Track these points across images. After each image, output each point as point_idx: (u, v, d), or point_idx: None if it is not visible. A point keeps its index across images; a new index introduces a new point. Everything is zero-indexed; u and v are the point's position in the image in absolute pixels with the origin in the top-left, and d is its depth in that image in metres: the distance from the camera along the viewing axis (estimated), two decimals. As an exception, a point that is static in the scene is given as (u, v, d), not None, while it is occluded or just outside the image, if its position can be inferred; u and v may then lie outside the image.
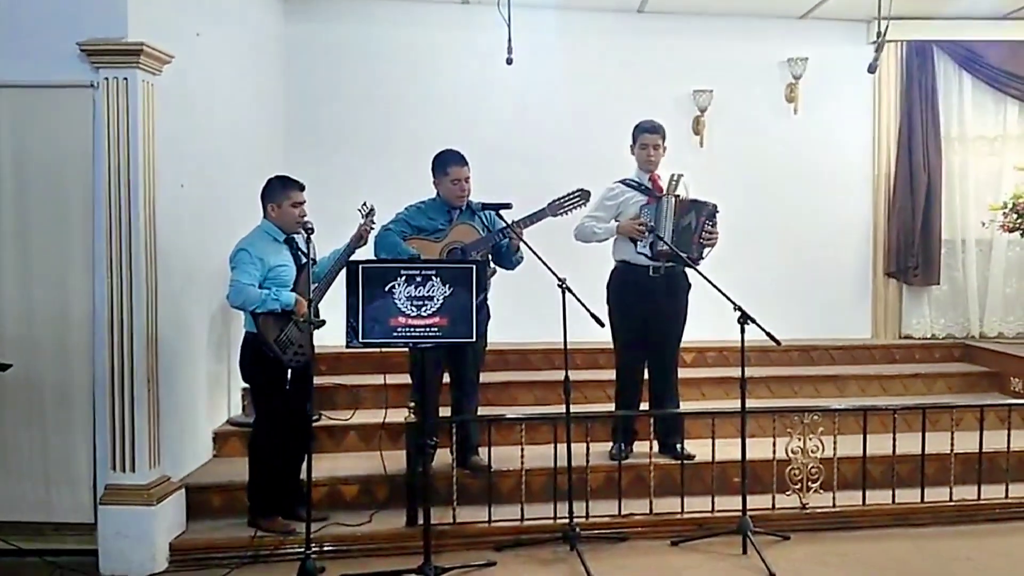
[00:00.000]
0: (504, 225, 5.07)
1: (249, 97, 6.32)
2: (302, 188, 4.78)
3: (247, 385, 5.20)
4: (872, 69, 6.35)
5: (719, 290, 4.75)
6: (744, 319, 4.69)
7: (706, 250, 5.36)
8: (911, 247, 7.71)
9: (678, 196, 5.35)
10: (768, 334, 4.61)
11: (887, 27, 6.19)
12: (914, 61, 7.76)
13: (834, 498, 5.12)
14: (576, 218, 5.36)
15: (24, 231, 4.53)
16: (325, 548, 4.66)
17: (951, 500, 5.21)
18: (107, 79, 4.43)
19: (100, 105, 4.45)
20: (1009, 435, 5.32)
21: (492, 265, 5.14)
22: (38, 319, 4.54)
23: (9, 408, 4.53)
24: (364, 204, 4.88)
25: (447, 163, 5.18)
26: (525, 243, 4.99)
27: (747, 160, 7.60)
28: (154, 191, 4.60)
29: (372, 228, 4.92)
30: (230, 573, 4.45)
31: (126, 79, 4.44)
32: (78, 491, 4.57)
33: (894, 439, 5.18)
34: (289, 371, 4.74)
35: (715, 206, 5.34)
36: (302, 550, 4.30)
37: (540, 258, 4.78)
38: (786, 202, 7.69)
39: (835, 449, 5.11)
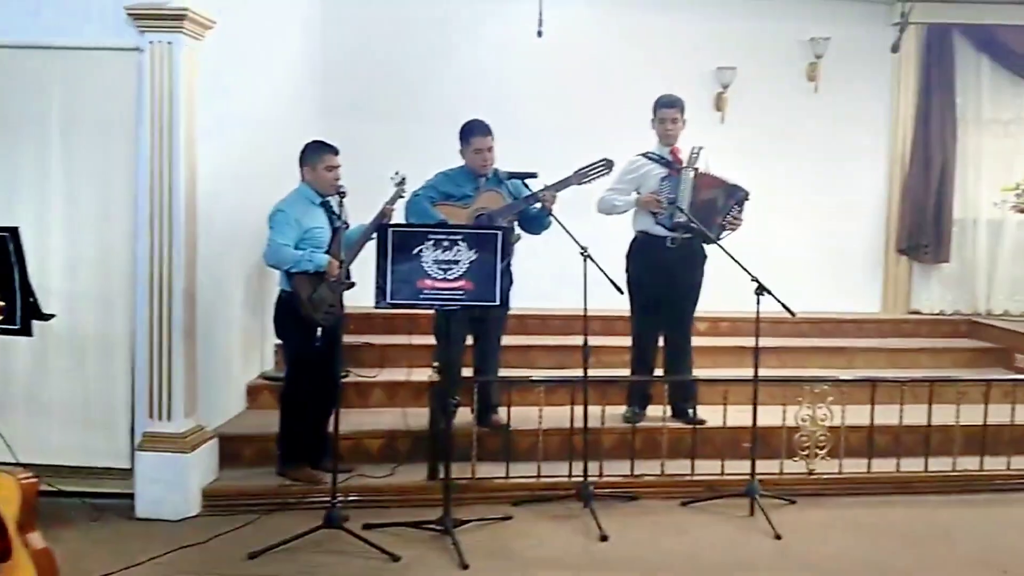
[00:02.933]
0: (530, 193, 5.01)
1: (288, 64, 6.27)
2: (336, 152, 4.76)
3: (280, 341, 5.20)
4: (894, 50, 6.28)
5: (736, 261, 4.70)
6: (760, 290, 4.64)
7: (725, 233, 5.29)
8: (924, 225, 7.61)
9: (697, 169, 5.29)
10: (783, 305, 4.57)
11: (910, 9, 6.08)
12: (934, 43, 7.60)
13: (840, 465, 5.09)
14: (599, 186, 5.31)
15: (70, 188, 4.52)
16: (350, 498, 4.65)
17: (954, 470, 5.17)
18: (152, 43, 4.40)
19: (145, 68, 4.42)
20: (1013, 409, 5.26)
21: (518, 231, 5.11)
22: (82, 273, 4.54)
23: (52, 357, 4.54)
24: (396, 173, 4.85)
25: (471, 133, 5.15)
26: (551, 213, 4.95)
27: (767, 137, 7.48)
28: (195, 153, 4.58)
29: (403, 196, 4.90)
30: (259, 519, 4.46)
31: (170, 43, 4.40)
32: (116, 437, 4.59)
33: (901, 410, 5.12)
34: (320, 329, 4.72)
35: (747, 193, 5.28)
36: (328, 499, 4.31)
37: (564, 227, 4.77)
38: (803, 178, 7.58)
39: (843, 418, 5.06)
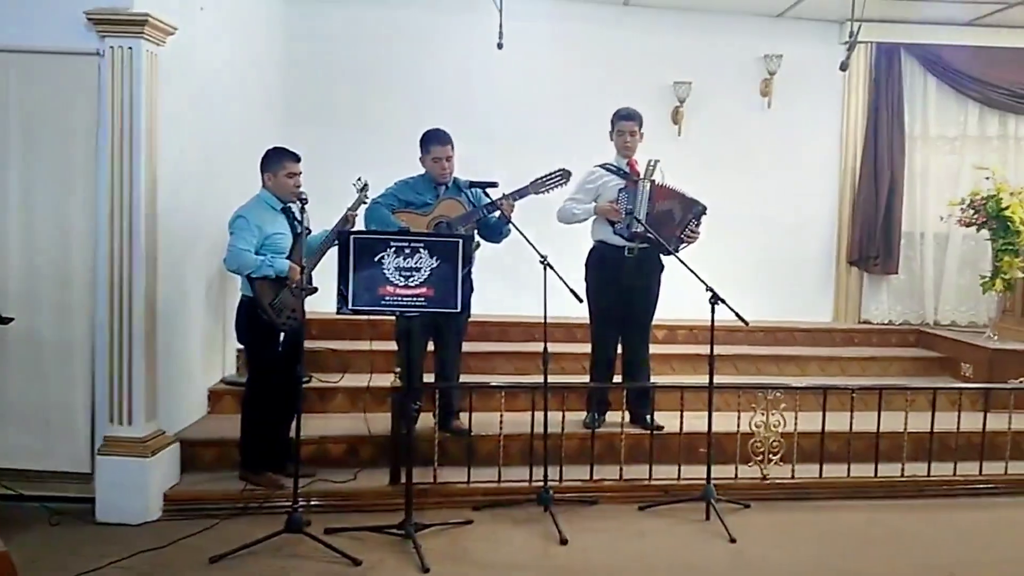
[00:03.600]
0: (489, 201, 5.03)
1: (248, 72, 6.23)
2: (298, 159, 4.74)
3: (241, 346, 5.15)
4: (844, 67, 6.37)
5: (692, 271, 4.76)
6: (715, 299, 4.70)
7: (683, 245, 5.34)
8: (873, 238, 7.73)
9: (654, 181, 5.34)
10: (737, 314, 4.62)
11: (859, 28, 6.19)
12: (882, 62, 7.75)
13: (793, 470, 5.15)
14: (557, 197, 5.33)
15: (29, 191, 4.46)
16: (312, 503, 4.64)
17: (903, 476, 5.26)
18: (112, 48, 4.37)
19: (105, 73, 4.39)
20: (959, 417, 5.36)
21: (477, 239, 5.12)
22: (41, 277, 4.48)
23: (11, 361, 4.48)
24: (359, 179, 4.88)
25: (430, 141, 5.16)
26: (511, 221, 4.96)
27: (722, 150, 7.58)
28: (156, 158, 4.54)
29: (365, 202, 4.91)
30: (220, 523, 4.42)
31: (131, 48, 4.37)
32: (77, 442, 4.54)
33: (851, 417, 5.20)
34: (282, 334, 4.72)
35: (705, 208, 5.33)
36: (289, 503, 4.28)
37: (524, 236, 4.77)
38: (757, 191, 7.67)
39: (795, 425, 5.13)
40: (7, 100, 4.42)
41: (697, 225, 5.34)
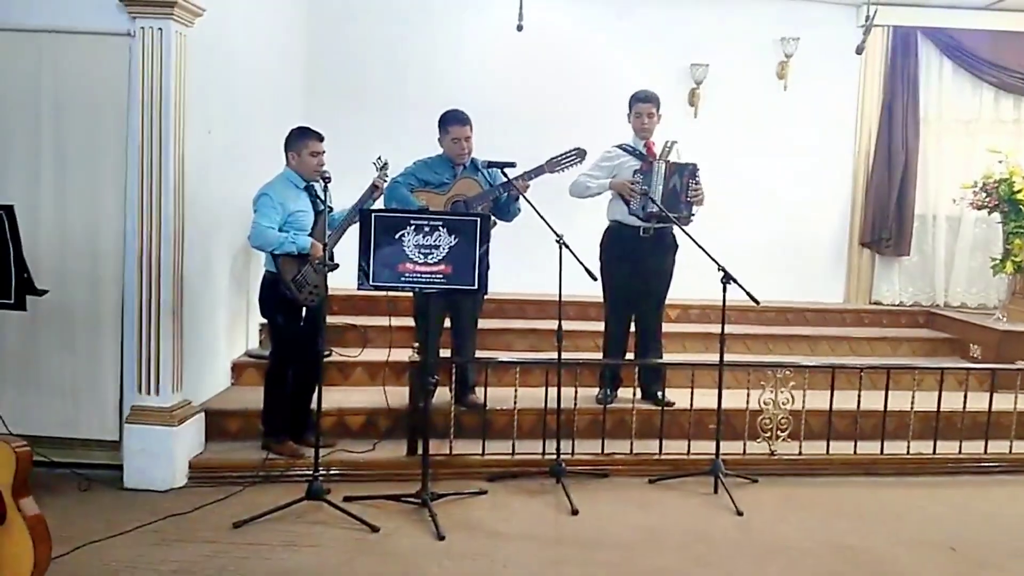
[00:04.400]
0: (505, 180, 5.05)
1: (273, 53, 6.28)
2: (321, 138, 4.78)
3: (264, 320, 5.22)
4: (860, 51, 6.36)
5: (705, 251, 4.78)
6: (727, 279, 4.73)
7: (695, 207, 5.36)
8: (885, 220, 7.73)
9: (668, 161, 5.34)
10: (748, 294, 4.66)
11: (875, 12, 6.18)
12: (899, 45, 7.71)
13: (800, 447, 5.19)
14: (573, 176, 5.37)
15: (61, 170, 4.54)
16: (331, 472, 4.73)
17: (908, 453, 5.29)
18: (143, 28, 4.42)
19: (136, 53, 4.44)
20: (966, 397, 5.37)
21: (493, 218, 5.15)
22: (72, 251, 4.56)
23: (43, 332, 4.57)
24: (379, 158, 4.92)
25: (449, 122, 5.18)
26: (527, 199, 4.98)
27: (738, 132, 7.58)
28: (183, 136, 4.60)
29: (385, 180, 4.95)
30: (243, 490, 4.52)
31: (160, 29, 4.42)
32: (105, 411, 4.63)
33: (859, 396, 5.22)
34: (304, 309, 4.80)
35: (695, 165, 5.33)
36: (310, 472, 4.37)
37: (541, 215, 4.78)
38: (772, 173, 7.67)
39: (804, 402, 5.17)
40: (40, 79, 4.49)
41: (697, 183, 5.31)
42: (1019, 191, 6.62)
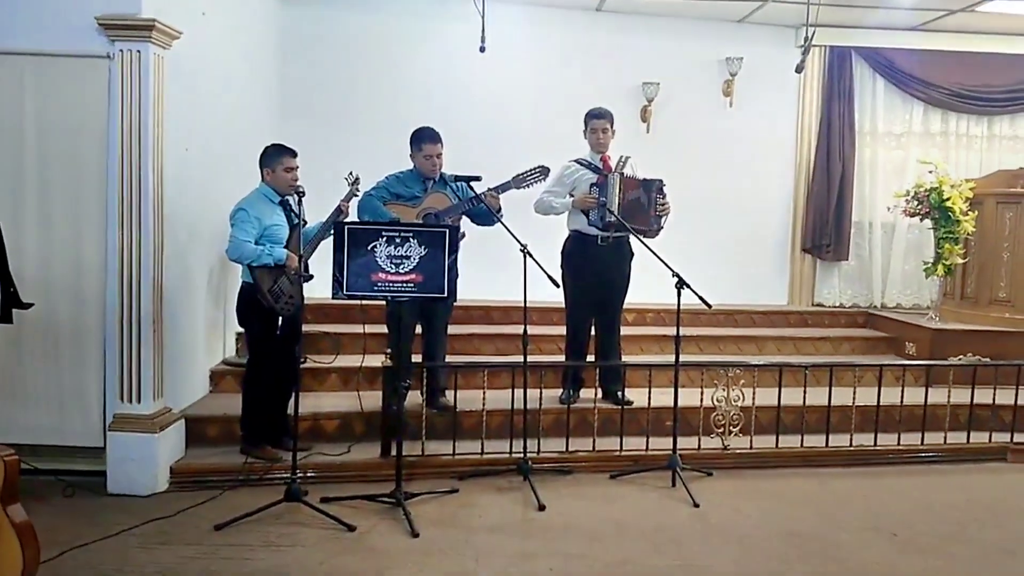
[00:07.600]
0: (475, 195, 5.06)
1: (248, 73, 6.24)
2: (295, 155, 4.76)
3: (242, 329, 5.17)
4: (799, 70, 6.44)
5: (659, 258, 4.82)
6: (680, 284, 4.77)
7: (663, 219, 5.42)
8: (825, 227, 7.83)
9: (623, 174, 5.38)
10: (700, 298, 4.70)
11: (813, 33, 6.26)
12: (835, 64, 7.85)
13: (751, 441, 5.26)
14: (536, 191, 5.39)
15: (44, 187, 4.47)
16: (309, 474, 4.69)
17: (851, 445, 5.37)
18: (121, 51, 4.38)
19: (115, 75, 4.40)
20: (903, 392, 5.48)
21: (462, 229, 5.15)
22: (55, 266, 4.50)
23: (29, 344, 4.49)
24: (350, 173, 4.92)
25: (421, 139, 5.18)
26: (492, 212, 5.02)
27: (687, 146, 7.64)
28: (162, 154, 4.55)
29: (357, 195, 4.94)
30: (224, 494, 4.47)
31: (139, 52, 4.38)
32: (89, 419, 4.57)
33: (804, 392, 5.29)
34: (280, 318, 4.76)
35: (661, 181, 5.40)
36: (288, 475, 4.35)
37: (505, 226, 4.83)
38: (719, 184, 7.74)
39: (754, 399, 5.24)
40: (22, 100, 4.42)
41: (663, 198, 5.38)
42: (948, 199, 6.73)
